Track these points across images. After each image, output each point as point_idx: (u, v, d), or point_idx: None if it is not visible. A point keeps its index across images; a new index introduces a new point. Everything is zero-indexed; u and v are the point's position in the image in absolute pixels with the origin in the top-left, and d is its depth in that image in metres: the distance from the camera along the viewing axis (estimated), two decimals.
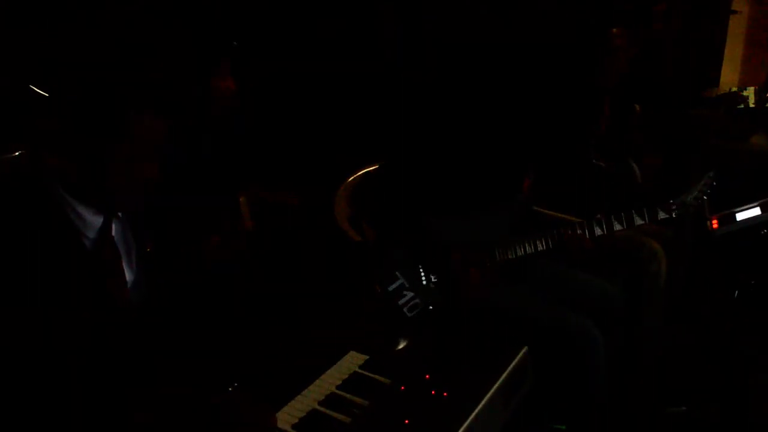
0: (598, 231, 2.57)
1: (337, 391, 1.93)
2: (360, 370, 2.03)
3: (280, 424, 1.78)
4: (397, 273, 2.48)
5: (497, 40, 3.84)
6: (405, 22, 3.98)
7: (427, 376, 1.93)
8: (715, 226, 2.63)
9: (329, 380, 1.98)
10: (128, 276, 1.80)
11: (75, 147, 1.62)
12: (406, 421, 1.76)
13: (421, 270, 2.52)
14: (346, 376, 2.00)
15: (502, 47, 3.34)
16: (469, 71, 2.85)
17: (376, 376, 1.99)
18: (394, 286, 2.46)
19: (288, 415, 1.84)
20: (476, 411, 1.77)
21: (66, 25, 2.60)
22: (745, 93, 4.05)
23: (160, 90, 1.70)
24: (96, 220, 1.70)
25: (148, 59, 1.78)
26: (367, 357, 2.08)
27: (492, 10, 4.15)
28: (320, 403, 1.88)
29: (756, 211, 2.64)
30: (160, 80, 1.75)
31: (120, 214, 1.77)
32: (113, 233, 1.75)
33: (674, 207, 2.59)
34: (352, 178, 2.64)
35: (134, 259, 1.83)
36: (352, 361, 2.07)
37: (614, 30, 3.47)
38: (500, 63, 2.94)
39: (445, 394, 1.85)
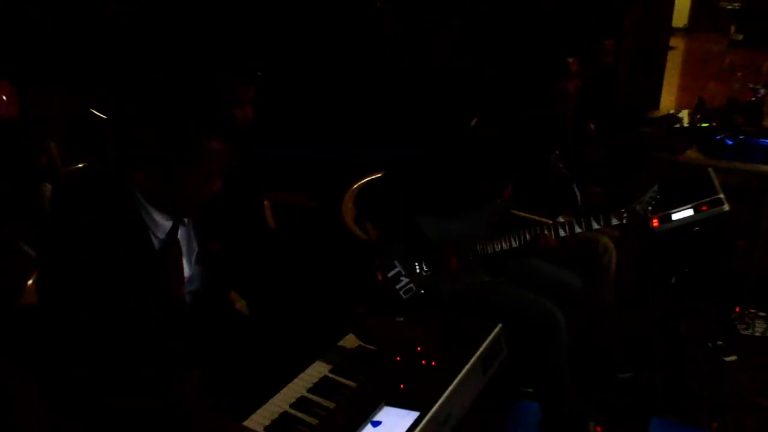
0: (562, 233, 2.66)
1: (344, 361, 1.98)
2: (363, 344, 2.06)
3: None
4: (395, 262, 2.52)
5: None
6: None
7: (419, 348, 1.96)
8: (655, 224, 2.67)
9: (338, 352, 2.03)
10: (186, 272, 1.84)
11: (156, 165, 1.65)
12: (402, 386, 1.80)
13: (414, 260, 2.56)
14: (352, 349, 2.04)
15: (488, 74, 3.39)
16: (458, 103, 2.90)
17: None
18: (392, 273, 2.50)
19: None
20: (459, 377, 1.81)
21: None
22: (680, 115, 4.13)
23: (224, 118, 1.76)
24: (166, 224, 1.75)
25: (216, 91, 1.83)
26: None
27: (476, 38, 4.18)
28: (330, 371, 1.92)
29: (689, 212, 2.68)
30: (224, 109, 1.80)
31: (186, 220, 1.81)
32: (178, 235, 1.80)
33: (625, 215, 2.67)
34: (357, 184, 2.69)
35: (193, 258, 1.87)
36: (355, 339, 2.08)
37: (570, 60, 3.55)
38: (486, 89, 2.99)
39: (433, 363, 1.89)
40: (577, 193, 3.53)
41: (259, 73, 2.67)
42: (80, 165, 2.40)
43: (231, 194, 1.69)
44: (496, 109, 2.93)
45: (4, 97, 2.47)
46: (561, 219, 2.72)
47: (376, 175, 2.71)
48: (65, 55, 2.47)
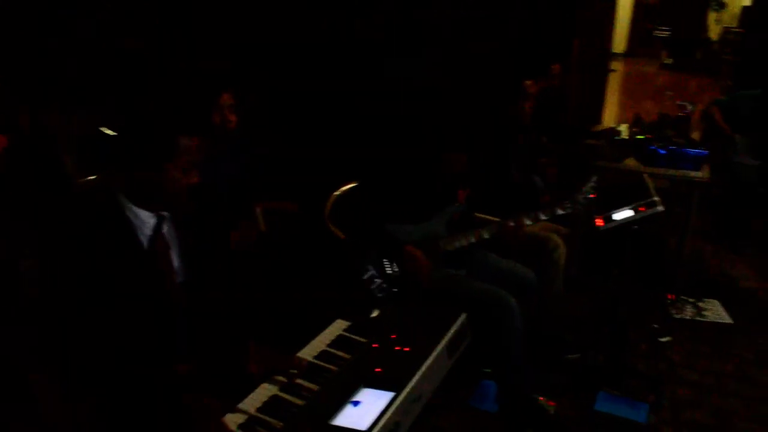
0: (528, 222, 2.66)
1: (328, 349, 1.95)
2: (345, 333, 2.04)
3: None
4: (368, 266, 2.49)
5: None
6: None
7: (393, 336, 1.95)
8: (599, 224, 2.68)
9: (322, 340, 1.99)
10: (176, 263, 1.81)
11: (136, 166, 1.65)
12: (378, 369, 1.79)
13: (385, 262, 2.53)
14: (335, 337, 2.01)
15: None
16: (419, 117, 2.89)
17: (357, 337, 2.01)
18: (367, 275, 2.47)
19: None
20: (429, 360, 1.80)
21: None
22: (620, 128, 4.15)
23: (198, 119, 1.74)
24: (151, 221, 1.72)
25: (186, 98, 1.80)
26: (350, 323, 2.09)
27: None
28: (315, 357, 1.90)
29: (629, 213, 2.68)
30: (198, 111, 1.78)
31: (167, 214, 1.76)
32: (164, 230, 1.77)
33: (568, 205, 2.67)
34: (337, 192, 2.66)
35: (180, 252, 1.83)
36: (339, 326, 2.07)
37: (528, 81, 3.56)
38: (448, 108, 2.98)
39: (406, 348, 1.88)
40: (539, 181, 3.53)
41: (235, 80, 2.59)
42: (93, 177, 2.34)
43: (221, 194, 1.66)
44: (463, 130, 2.91)
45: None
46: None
47: (352, 185, 2.68)
48: (73, 71, 2.40)
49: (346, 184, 2.75)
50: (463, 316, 2.05)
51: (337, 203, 2.69)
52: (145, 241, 1.71)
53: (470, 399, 2.75)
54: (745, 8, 11.86)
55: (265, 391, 1.74)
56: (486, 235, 2.61)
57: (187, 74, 2.62)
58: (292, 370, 1.80)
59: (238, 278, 1.94)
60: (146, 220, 1.72)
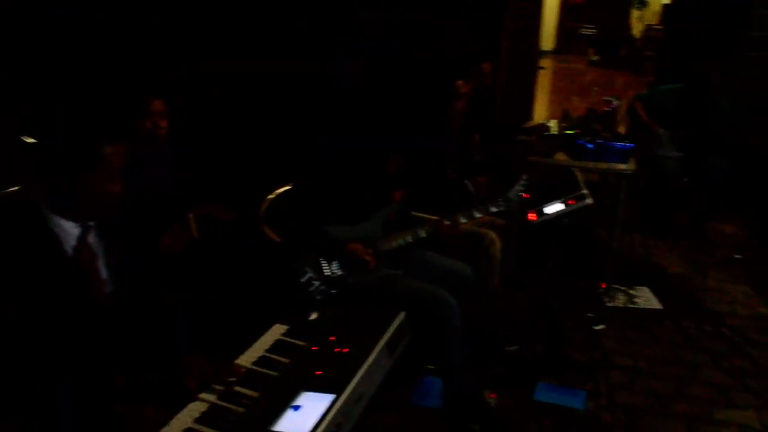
0: (463, 219, 2.69)
1: (266, 354, 1.92)
2: (283, 337, 2.02)
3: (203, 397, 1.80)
4: (306, 269, 2.48)
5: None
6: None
7: (332, 338, 1.95)
8: (532, 218, 2.75)
9: (260, 346, 1.97)
10: (103, 273, 1.76)
11: (58, 175, 1.61)
12: (318, 372, 1.78)
13: (323, 263, 2.52)
14: (273, 342, 1.99)
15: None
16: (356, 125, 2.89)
17: (296, 341, 1.99)
18: (305, 278, 2.45)
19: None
20: (369, 360, 1.81)
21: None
22: (550, 124, 4.24)
23: (123, 127, 1.70)
24: (75, 230, 1.67)
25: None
26: (288, 327, 2.07)
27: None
28: (254, 363, 1.87)
29: (560, 206, 2.76)
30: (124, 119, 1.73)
31: (92, 224, 1.72)
32: (90, 239, 1.71)
33: (501, 202, 2.72)
34: (271, 195, 2.64)
35: (107, 262, 1.78)
36: (278, 331, 2.05)
37: (459, 82, 3.61)
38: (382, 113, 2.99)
39: (346, 350, 1.88)
40: (470, 186, 3.58)
41: (167, 87, 2.54)
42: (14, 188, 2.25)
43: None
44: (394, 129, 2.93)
45: None
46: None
47: (287, 187, 2.67)
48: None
49: (281, 187, 2.73)
50: (401, 315, 2.06)
51: (272, 206, 2.66)
52: (70, 252, 1.66)
53: (412, 396, 2.76)
54: (665, 6, 12.36)
55: (203, 401, 1.71)
56: (423, 234, 2.63)
57: (111, 80, 2.54)
58: (230, 379, 1.77)
59: (170, 286, 1.90)
60: (70, 230, 1.66)
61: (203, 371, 1.77)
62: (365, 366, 1.79)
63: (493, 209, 2.68)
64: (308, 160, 2.76)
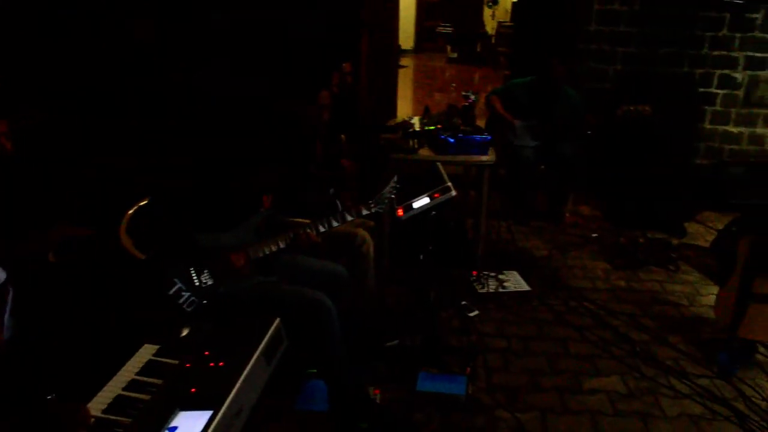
0: (321, 228, 2.68)
1: (137, 377, 1.84)
2: (154, 357, 1.94)
3: (93, 411, 1.69)
4: (174, 279, 2.39)
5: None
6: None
7: (206, 353, 1.90)
8: (400, 213, 2.79)
9: (130, 369, 1.88)
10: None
11: None
12: (193, 390, 1.73)
13: (193, 273, 2.45)
14: (143, 364, 1.91)
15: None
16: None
17: (168, 360, 1.92)
18: (173, 290, 2.36)
19: (98, 403, 1.74)
20: (246, 371, 1.79)
21: None
22: (412, 121, 4.35)
23: None
24: None
25: None
26: (159, 346, 2.00)
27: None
28: (124, 389, 1.79)
29: (426, 200, 2.83)
30: None
31: None
32: None
33: (372, 204, 2.75)
34: (130, 210, 2.51)
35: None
36: (148, 351, 1.97)
37: (324, 93, 3.64)
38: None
39: (221, 363, 1.84)
40: (338, 203, 3.62)
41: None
42: None
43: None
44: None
45: None
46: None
47: (144, 202, 2.55)
48: None
49: (139, 201, 2.61)
50: (276, 322, 2.05)
51: (132, 221, 2.53)
52: None
53: (297, 402, 2.74)
54: (514, 4, 13.06)
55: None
56: (282, 245, 2.60)
57: None
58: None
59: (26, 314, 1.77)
60: None
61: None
62: (242, 378, 1.77)
63: (365, 212, 2.71)
64: (167, 169, 2.65)
